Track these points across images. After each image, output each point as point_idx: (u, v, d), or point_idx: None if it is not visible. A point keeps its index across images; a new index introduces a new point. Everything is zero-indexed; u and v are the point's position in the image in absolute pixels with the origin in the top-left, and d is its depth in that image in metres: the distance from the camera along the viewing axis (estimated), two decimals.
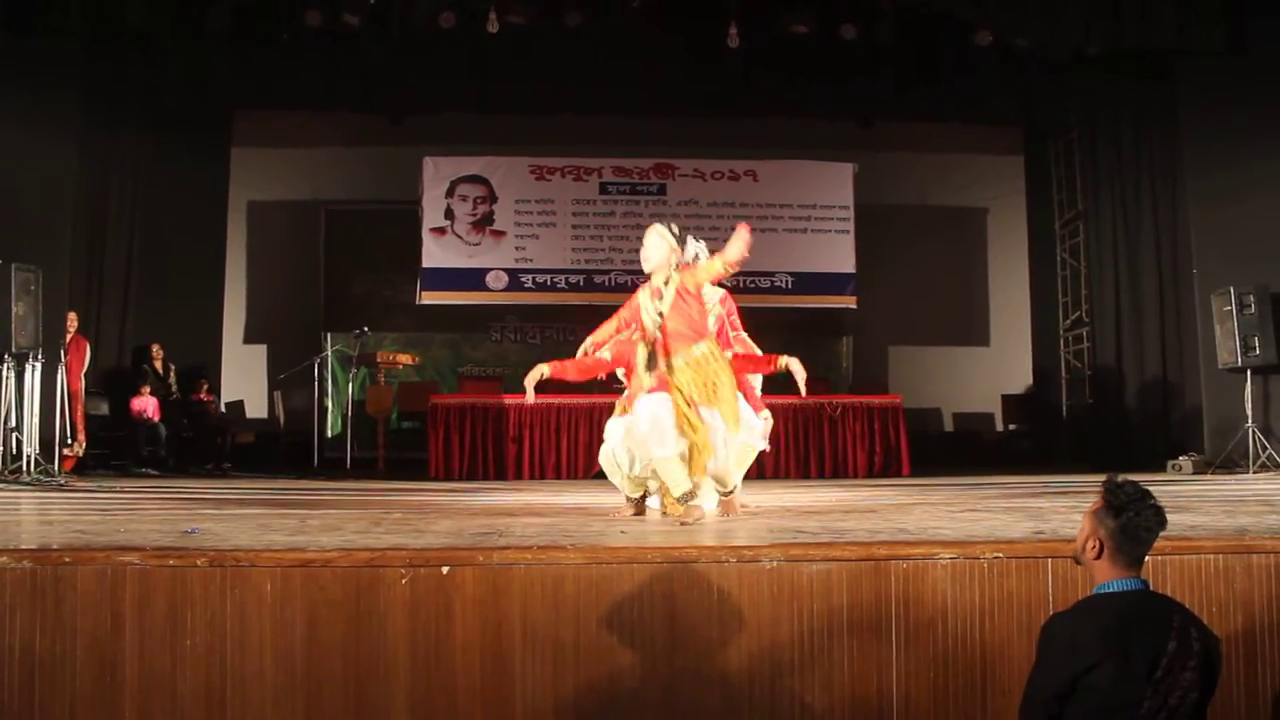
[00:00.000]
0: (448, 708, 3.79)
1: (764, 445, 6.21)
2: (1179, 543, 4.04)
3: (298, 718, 3.77)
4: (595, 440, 10.52)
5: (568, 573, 3.87)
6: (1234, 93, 10.23)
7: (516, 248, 12.99)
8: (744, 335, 6.38)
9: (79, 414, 9.95)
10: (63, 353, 9.57)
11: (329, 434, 12.52)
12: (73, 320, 10.15)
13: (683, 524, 5.06)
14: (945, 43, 11.31)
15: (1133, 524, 3.02)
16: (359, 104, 12.09)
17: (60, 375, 9.40)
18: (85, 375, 10.33)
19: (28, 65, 9.76)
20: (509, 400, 10.51)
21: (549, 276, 12.92)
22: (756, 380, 6.33)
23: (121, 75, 11.17)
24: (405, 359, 11.81)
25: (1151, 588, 3.18)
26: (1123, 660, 2.90)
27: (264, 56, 11.16)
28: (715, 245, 7.05)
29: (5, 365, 8.80)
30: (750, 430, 6.10)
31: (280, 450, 12.37)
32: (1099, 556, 3.05)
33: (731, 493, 5.84)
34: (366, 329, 11.67)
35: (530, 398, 5.75)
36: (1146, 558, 3.09)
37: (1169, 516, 3.12)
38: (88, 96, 10.38)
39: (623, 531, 4.86)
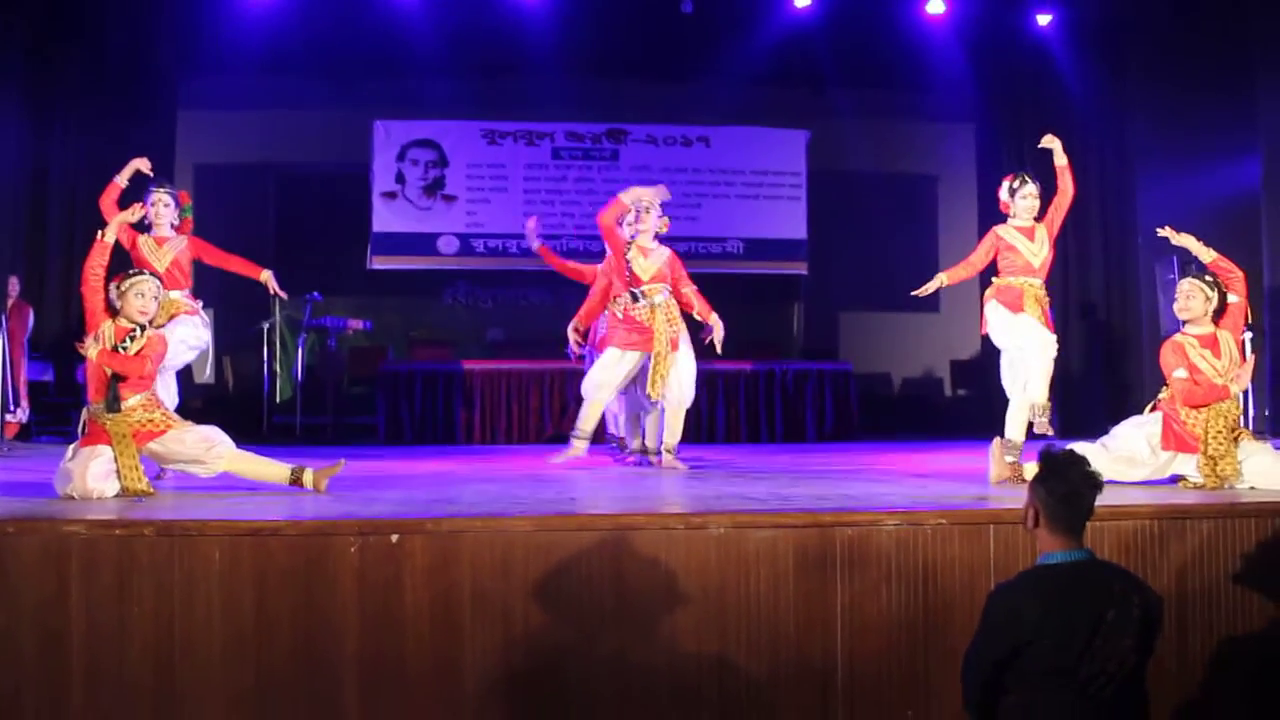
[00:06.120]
0: (397, 675, 3.82)
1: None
2: (1116, 509, 4.14)
3: (247, 683, 3.77)
4: (546, 405, 10.64)
5: (517, 540, 3.89)
6: (1181, 64, 10.36)
7: (468, 212, 12.87)
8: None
9: (21, 381, 9.79)
10: (4, 319, 9.41)
11: (278, 400, 12.40)
12: (14, 285, 9.96)
13: None
14: (897, 10, 11.34)
15: (1058, 490, 3.03)
16: (305, 67, 11.89)
17: (2, 341, 9.24)
18: (28, 341, 10.16)
19: None
20: (461, 366, 10.52)
21: (501, 241, 12.81)
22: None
23: (63, 36, 10.89)
24: (356, 324, 11.73)
25: (1094, 555, 3.24)
26: (1061, 634, 2.95)
27: (209, 17, 10.94)
28: (666, 211, 7.12)
29: None
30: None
31: (229, 416, 12.19)
32: (1036, 525, 3.08)
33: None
34: (317, 294, 11.54)
35: None
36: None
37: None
38: (28, 57, 10.14)
39: (572, 499, 4.89)
